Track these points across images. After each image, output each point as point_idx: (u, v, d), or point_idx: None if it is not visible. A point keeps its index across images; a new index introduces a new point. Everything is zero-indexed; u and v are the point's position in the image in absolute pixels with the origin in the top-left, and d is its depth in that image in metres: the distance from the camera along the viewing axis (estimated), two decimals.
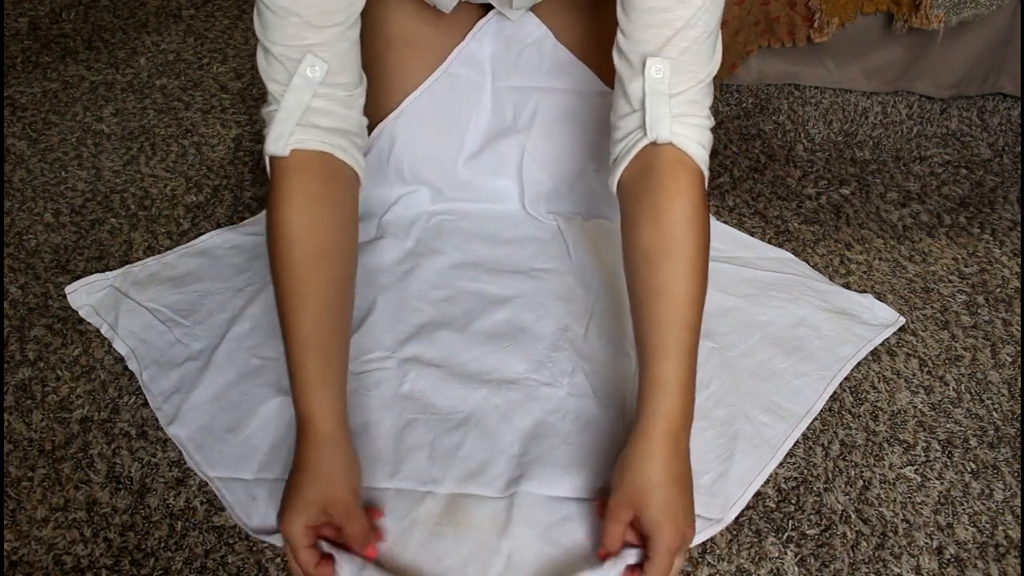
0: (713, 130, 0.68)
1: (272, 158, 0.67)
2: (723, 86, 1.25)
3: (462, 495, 0.71)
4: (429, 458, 0.74)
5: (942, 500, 0.74)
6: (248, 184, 1.06)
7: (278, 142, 0.66)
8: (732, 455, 0.75)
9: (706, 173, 0.68)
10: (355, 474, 0.65)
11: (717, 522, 0.71)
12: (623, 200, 0.70)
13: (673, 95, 0.65)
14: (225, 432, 0.76)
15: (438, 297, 0.89)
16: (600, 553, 0.64)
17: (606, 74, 0.95)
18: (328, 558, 0.63)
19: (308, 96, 0.67)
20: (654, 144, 0.66)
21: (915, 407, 0.82)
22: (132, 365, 0.82)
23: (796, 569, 0.69)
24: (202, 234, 0.97)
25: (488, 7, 0.91)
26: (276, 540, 0.69)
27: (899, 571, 0.69)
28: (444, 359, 0.82)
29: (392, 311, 0.87)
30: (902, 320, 0.89)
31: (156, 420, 0.78)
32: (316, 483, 0.63)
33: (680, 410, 0.63)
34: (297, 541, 0.61)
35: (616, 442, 0.75)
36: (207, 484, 0.73)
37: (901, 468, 0.77)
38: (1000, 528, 0.73)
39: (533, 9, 0.91)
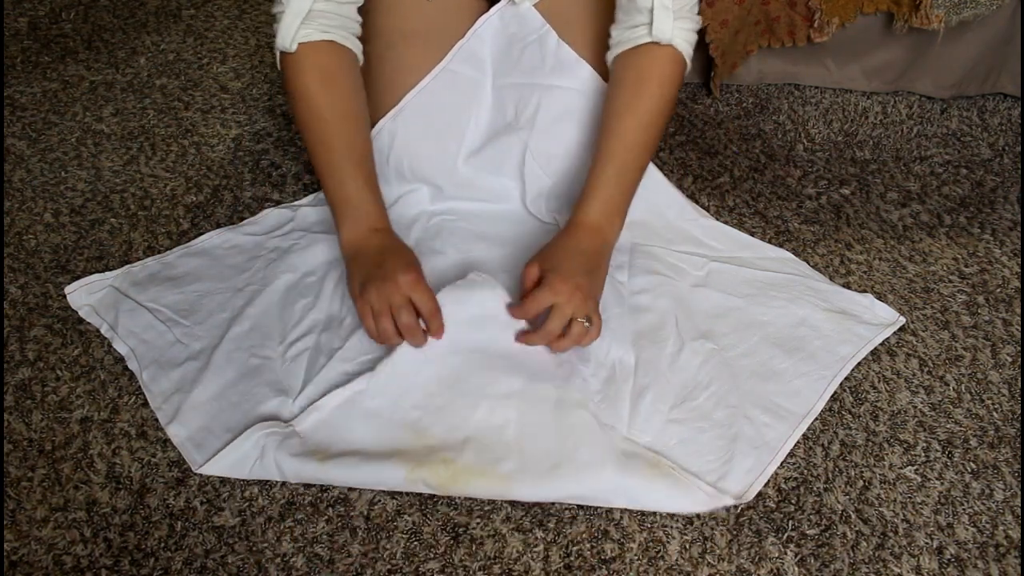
0: (698, 32, 0.87)
1: (282, 53, 0.83)
2: (723, 86, 1.25)
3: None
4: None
5: (942, 500, 0.74)
6: (248, 184, 1.06)
7: (285, 39, 0.81)
8: (732, 456, 0.75)
9: (689, 64, 0.87)
10: (415, 260, 0.81)
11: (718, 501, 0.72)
12: (617, 70, 0.87)
13: (675, 8, 0.83)
14: (224, 432, 0.76)
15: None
16: (511, 310, 0.78)
17: (608, 73, 0.95)
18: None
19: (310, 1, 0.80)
20: (656, 43, 0.84)
21: (915, 407, 0.82)
22: (132, 365, 0.82)
23: (796, 569, 0.69)
24: (202, 234, 0.97)
25: (492, 2, 0.91)
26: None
27: (899, 571, 0.69)
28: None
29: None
30: (902, 320, 0.89)
31: (156, 420, 0.78)
32: (406, 255, 0.80)
33: (603, 211, 0.82)
34: (413, 292, 0.76)
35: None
36: (207, 484, 0.73)
37: (901, 468, 0.77)
38: (1000, 528, 0.72)
39: (536, 6, 0.91)
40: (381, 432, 0.75)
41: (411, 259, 0.81)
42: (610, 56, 0.88)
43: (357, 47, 0.87)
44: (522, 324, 0.80)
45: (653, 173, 0.99)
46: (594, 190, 0.83)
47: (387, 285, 0.76)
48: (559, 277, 0.76)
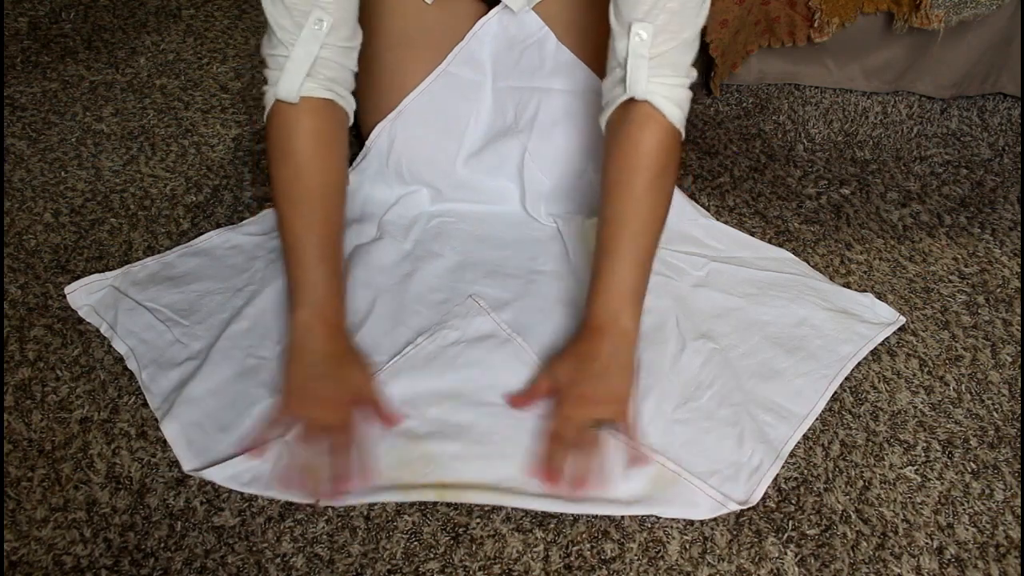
0: (692, 87, 0.78)
1: (279, 102, 0.76)
2: (723, 86, 1.25)
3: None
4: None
5: (942, 500, 0.74)
6: (248, 184, 1.06)
7: (290, 90, 0.75)
8: (739, 458, 0.75)
9: (679, 127, 0.77)
10: (368, 363, 0.78)
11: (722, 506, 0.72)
12: (605, 141, 0.80)
13: (653, 56, 0.74)
14: (217, 431, 0.76)
15: (436, 300, 0.88)
16: (510, 399, 0.77)
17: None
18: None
19: (316, 48, 0.75)
20: (632, 99, 0.75)
21: (915, 407, 0.82)
22: (131, 364, 0.82)
23: (796, 569, 0.69)
24: (202, 234, 0.97)
25: (491, 5, 0.91)
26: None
27: (899, 571, 0.69)
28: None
29: (391, 314, 0.86)
30: (902, 319, 0.89)
31: (156, 420, 0.78)
32: (346, 370, 0.74)
33: (611, 305, 0.75)
34: (347, 419, 0.72)
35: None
36: (207, 484, 0.73)
37: (901, 468, 0.77)
38: (1000, 528, 0.72)
39: (535, 9, 0.91)
40: (374, 442, 0.75)
41: (365, 370, 0.76)
42: (602, 120, 0.81)
43: (351, 106, 0.81)
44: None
45: None
46: (598, 285, 0.76)
47: (330, 404, 0.72)
48: (570, 392, 0.73)
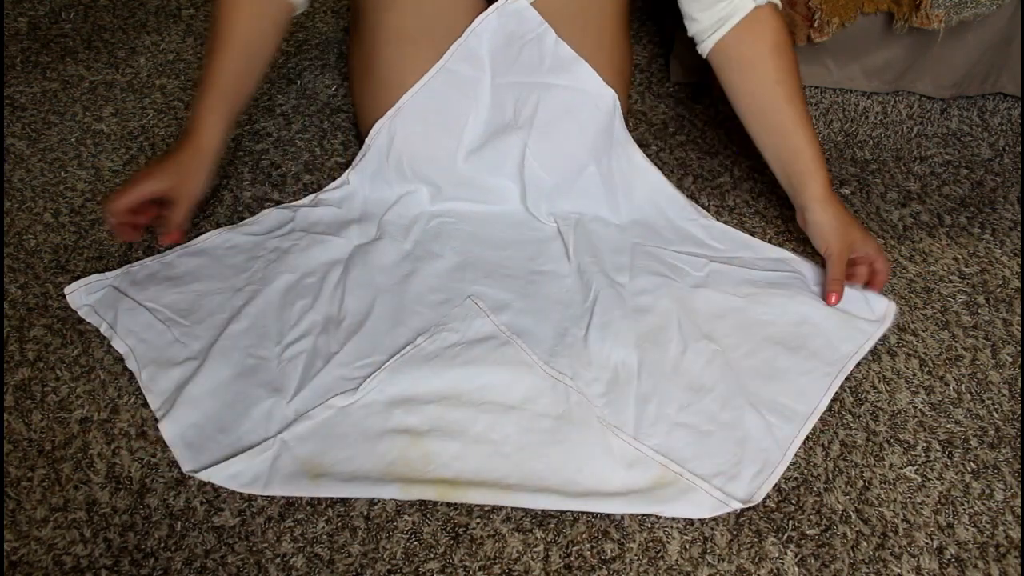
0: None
1: None
2: None
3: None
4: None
5: (942, 500, 0.74)
6: (248, 184, 1.06)
7: None
8: (741, 459, 0.75)
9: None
10: (203, 184, 0.89)
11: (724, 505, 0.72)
12: (732, 56, 0.92)
13: None
14: (217, 431, 0.76)
15: (436, 300, 0.88)
16: (831, 299, 0.88)
17: (606, 71, 0.95)
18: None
19: None
20: (757, 7, 0.89)
21: (915, 407, 0.82)
22: (131, 364, 0.82)
23: (796, 569, 0.69)
24: (202, 234, 0.97)
25: (490, 0, 0.91)
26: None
27: (899, 571, 0.69)
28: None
29: (391, 314, 0.86)
30: (894, 307, 0.89)
31: (156, 420, 0.78)
32: (173, 170, 0.86)
33: (826, 177, 0.91)
34: (126, 196, 0.83)
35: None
36: (207, 484, 0.73)
37: (901, 468, 0.77)
38: (1001, 528, 0.72)
39: (534, 4, 0.91)
40: (374, 441, 0.75)
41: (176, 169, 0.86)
42: (710, 41, 0.92)
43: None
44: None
45: (652, 174, 0.99)
46: (811, 163, 0.90)
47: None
48: (870, 246, 0.90)
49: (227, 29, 0.89)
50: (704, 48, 0.94)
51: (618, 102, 0.96)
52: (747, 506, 0.72)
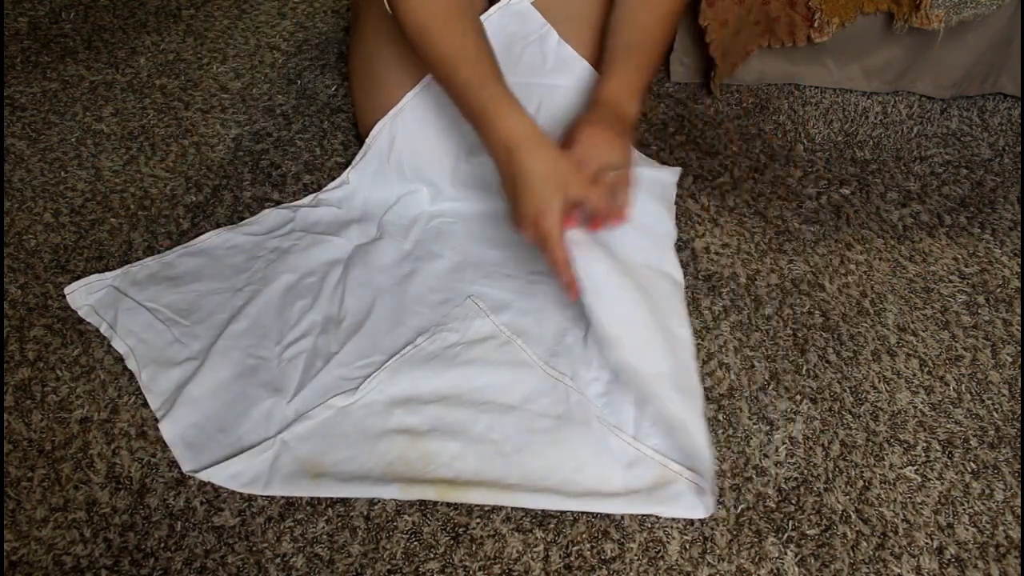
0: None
1: None
2: (723, 86, 1.25)
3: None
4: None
5: (942, 500, 0.74)
6: (248, 184, 1.06)
7: None
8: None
9: None
10: (571, 160, 0.77)
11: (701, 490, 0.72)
12: None
13: None
14: (217, 431, 0.76)
15: (436, 300, 0.88)
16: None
17: None
18: None
19: None
20: None
21: (915, 407, 0.82)
22: (131, 364, 0.82)
23: (796, 569, 0.69)
24: (202, 234, 0.97)
25: (492, 1, 0.91)
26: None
27: (899, 571, 0.69)
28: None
29: (391, 314, 0.87)
30: (678, 170, 0.91)
31: (156, 420, 0.78)
32: (550, 177, 0.75)
33: (622, 89, 0.82)
34: (556, 231, 0.74)
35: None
36: (207, 484, 0.73)
37: (901, 468, 0.77)
38: (1001, 528, 0.72)
39: (535, 4, 0.91)
40: (374, 440, 0.75)
41: (555, 182, 0.76)
42: None
43: None
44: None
45: (647, 173, 0.98)
46: (613, 71, 0.83)
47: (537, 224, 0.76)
48: (595, 131, 0.79)
49: (446, 17, 0.79)
50: None
51: None
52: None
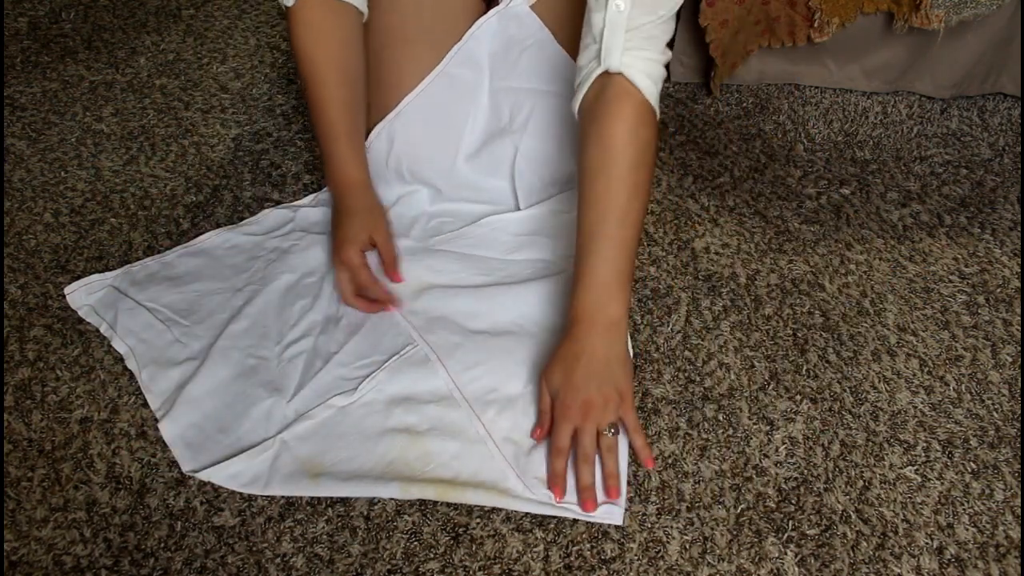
0: (667, 65, 0.77)
1: (286, 8, 0.85)
2: (723, 86, 1.25)
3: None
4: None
5: (942, 500, 0.74)
6: (248, 184, 1.06)
7: None
8: None
9: (654, 104, 0.75)
10: (384, 212, 0.90)
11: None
12: (580, 122, 0.79)
13: (629, 29, 0.72)
14: (217, 431, 0.76)
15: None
16: (535, 433, 0.76)
17: None
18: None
19: None
20: (607, 73, 0.75)
21: (915, 407, 0.82)
22: (131, 364, 0.82)
23: (796, 569, 0.69)
24: (202, 234, 0.97)
25: (490, 4, 0.91)
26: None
27: (899, 571, 0.69)
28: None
29: (390, 314, 0.86)
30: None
31: (156, 420, 0.78)
32: (362, 218, 0.86)
33: (598, 297, 0.74)
34: (355, 261, 0.85)
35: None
36: (207, 484, 0.73)
37: (901, 468, 0.77)
38: (1001, 528, 0.72)
39: (534, 8, 0.91)
40: (374, 440, 0.75)
41: (367, 222, 0.87)
42: (575, 102, 0.79)
43: (361, 3, 0.88)
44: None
45: None
46: (581, 276, 0.75)
47: (344, 249, 0.85)
48: (567, 399, 0.72)
49: (324, 64, 0.86)
50: (573, 106, 0.80)
51: None
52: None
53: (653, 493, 0.74)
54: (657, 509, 0.73)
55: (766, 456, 0.77)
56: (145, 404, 0.79)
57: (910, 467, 0.77)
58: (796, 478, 0.75)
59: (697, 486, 0.75)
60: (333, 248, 0.87)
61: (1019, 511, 0.74)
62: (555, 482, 0.71)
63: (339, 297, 0.88)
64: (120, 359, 0.83)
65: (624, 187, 0.73)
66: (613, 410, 0.72)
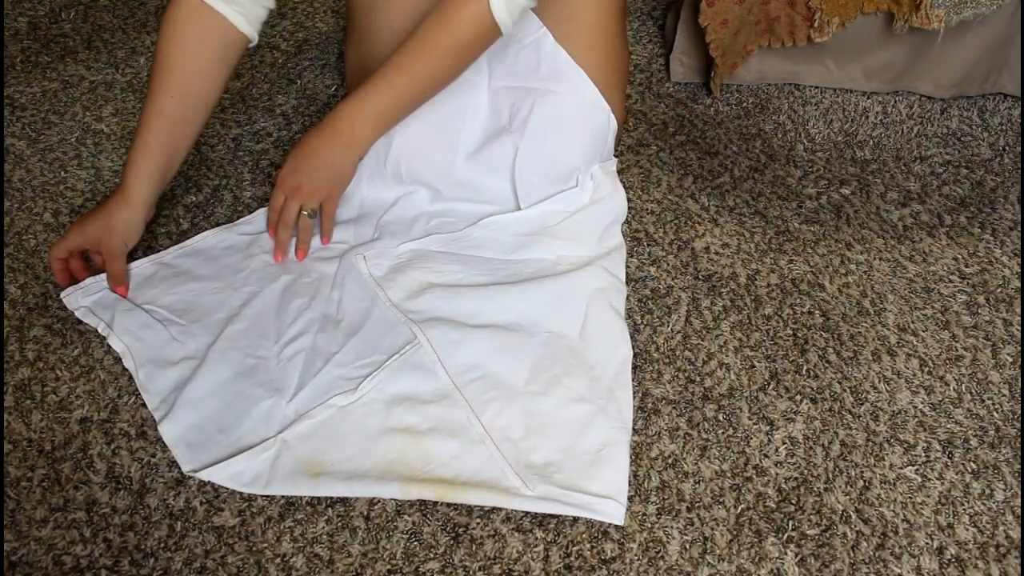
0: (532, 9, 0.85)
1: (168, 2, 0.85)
2: (723, 86, 1.25)
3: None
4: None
5: (943, 500, 0.74)
6: (247, 184, 1.06)
7: None
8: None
9: (497, 18, 0.81)
10: (132, 237, 0.87)
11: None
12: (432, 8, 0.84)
13: None
14: (217, 432, 0.76)
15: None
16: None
17: (600, 70, 0.95)
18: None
19: None
20: None
21: (915, 407, 0.82)
22: (128, 363, 0.82)
23: (796, 569, 0.69)
24: (198, 234, 0.97)
25: None
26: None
27: (899, 571, 0.69)
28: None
29: (389, 314, 0.86)
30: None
31: (155, 420, 0.78)
32: (100, 225, 0.85)
33: (362, 118, 0.86)
34: (59, 247, 0.86)
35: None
36: (207, 484, 0.73)
37: (901, 468, 0.77)
38: (1001, 528, 0.72)
39: (534, 10, 0.91)
40: (374, 440, 0.75)
41: (107, 227, 0.86)
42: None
43: (245, 25, 0.86)
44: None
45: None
46: (362, 94, 0.85)
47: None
48: (286, 176, 0.88)
49: (166, 68, 0.84)
50: None
51: (612, 117, 0.97)
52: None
53: (653, 493, 0.74)
54: (657, 509, 0.73)
55: (766, 456, 0.77)
56: (145, 404, 0.79)
57: (910, 467, 0.77)
58: (796, 478, 0.75)
59: (697, 486, 0.75)
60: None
61: (1019, 511, 0.74)
62: (279, 248, 0.91)
63: (338, 297, 0.87)
64: (120, 359, 0.83)
65: (431, 53, 0.83)
66: (316, 200, 0.89)
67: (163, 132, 0.86)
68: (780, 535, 0.71)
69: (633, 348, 0.85)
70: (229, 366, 0.81)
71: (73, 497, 0.73)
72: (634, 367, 0.84)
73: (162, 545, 0.69)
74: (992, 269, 0.98)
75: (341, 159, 0.88)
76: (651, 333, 0.88)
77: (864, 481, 0.76)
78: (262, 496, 0.72)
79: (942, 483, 0.76)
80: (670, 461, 0.77)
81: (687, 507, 0.73)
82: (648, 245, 0.99)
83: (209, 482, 0.73)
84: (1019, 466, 0.77)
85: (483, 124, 0.96)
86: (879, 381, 0.84)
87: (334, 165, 0.88)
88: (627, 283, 0.93)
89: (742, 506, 0.73)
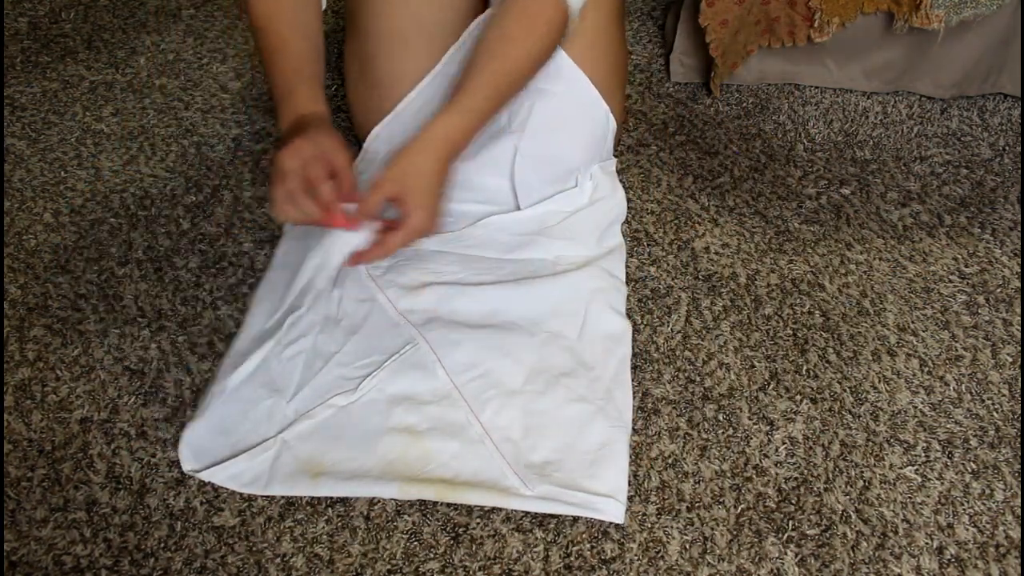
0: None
1: None
2: (723, 86, 1.25)
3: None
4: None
5: (942, 500, 0.74)
6: (248, 184, 1.06)
7: None
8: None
9: (572, 15, 0.84)
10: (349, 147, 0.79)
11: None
12: (497, 11, 0.84)
13: None
14: (217, 433, 0.76)
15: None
16: (355, 221, 0.79)
17: (598, 69, 0.95)
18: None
19: None
20: None
21: (915, 407, 0.82)
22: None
23: (796, 569, 0.69)
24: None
25: (487, 3, 0.91)
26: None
27: (899, 571, 0.69)
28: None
29: (389, 315, 0.86)
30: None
31: (156, 420, 0.78)
32: (328, 135, 0.77)
33: (465, 127, 0.81)
34: (291, 164, 0.74)
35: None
36: (207, 484, 0.73)
37: (901, 468, 0.77)
38: (1001, 528, 0.72)
39: None
40: (374, 440, 0.75)
41: (326, 143, 0.78)
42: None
43: None
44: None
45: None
46: (463, 106, 0.81)
47: (298, 142, 0.75)
48: (418, 209, 0.78)
49: (278, 22, 0.84)
50: None
51: (612, 117, 0.97)
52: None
53: (653, 493, 0.74)
54: (657, 509, 0.73)
55: (766, 456, 0.77)
56: (145, 404, 0.80)
57: (910, 467, 0.77)
58: (796, 478, 0.75)
59: (697, 486, 0.75)
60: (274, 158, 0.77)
61: (1019, 511, 0.74)
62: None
63: (338, 297, 0.87)
64: (120, 359, 0.83)
65: (529, 65, 0.83)
66: (437, 226, 0.81)
67: (312, 67, 0.84)
68: (780, 535, 0.71)
69: (633, 348, 0.86)
70: (239, 374, 0.80)
71: (73, 497, 0.73)
72: (634, 367, 0.84)
73: (162, 545, 0.69)
74: (992, 269, 0.98)
75: (451, 172, 0.84)
76: (651, 333, 0.88)
77: (864, 481, 0.76)
78: (262, 496, 0.72)
79: (942, 483, 0.76)
80: (670, 461, 0.77)
81: (687, 507, 0.73)
82: (648, 245, 0.99)
83: (209, 482, 0.73)
84: (1019, 466, 0.77)
85: None
86: (879, 381, 0.84)
87: (447, 181, 0.83)
88: (627, 283, 0.93)
89: (742, 506, 0.73)
